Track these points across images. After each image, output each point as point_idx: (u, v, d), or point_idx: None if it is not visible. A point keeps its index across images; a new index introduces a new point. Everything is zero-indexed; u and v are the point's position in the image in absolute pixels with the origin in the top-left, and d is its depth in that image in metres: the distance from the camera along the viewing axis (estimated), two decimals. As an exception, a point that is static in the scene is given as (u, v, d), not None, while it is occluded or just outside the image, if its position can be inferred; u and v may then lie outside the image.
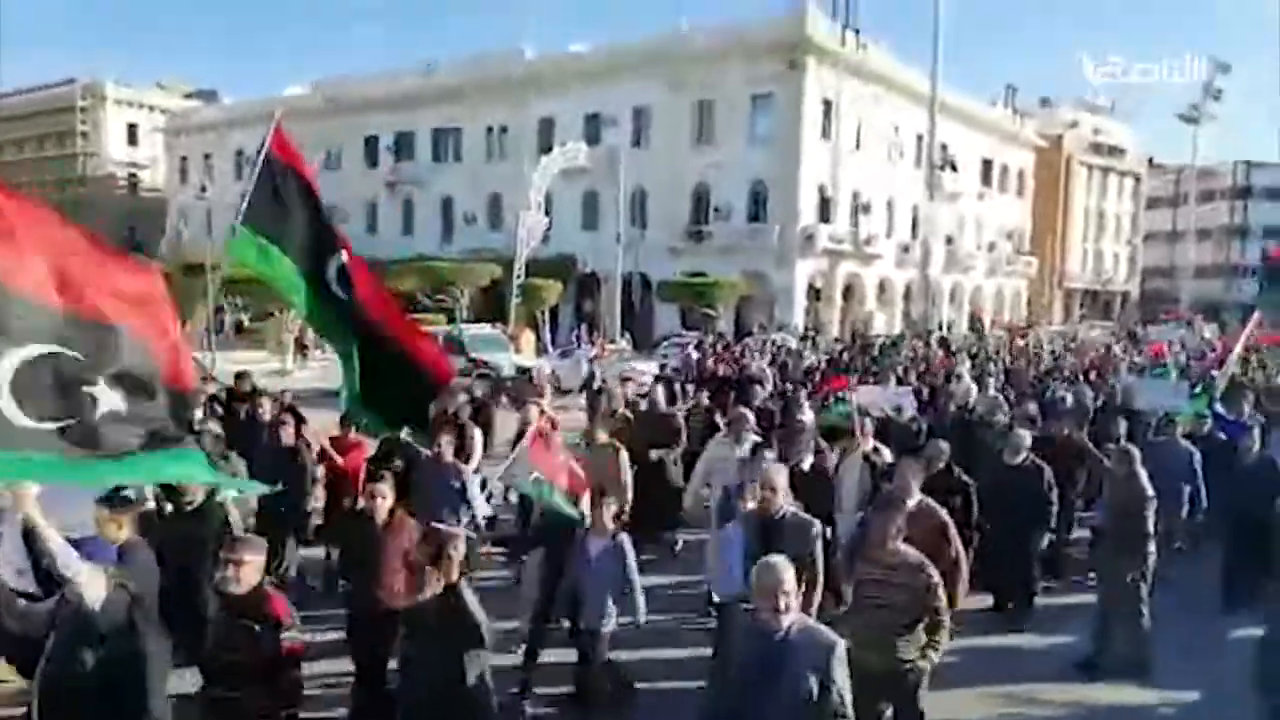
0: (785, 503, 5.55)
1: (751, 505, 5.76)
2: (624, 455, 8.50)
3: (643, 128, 45.43)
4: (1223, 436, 9.69)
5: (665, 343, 31.43)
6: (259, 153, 5.28)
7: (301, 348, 31.37)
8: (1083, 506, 9.74)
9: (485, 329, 25.88)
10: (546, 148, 41.89)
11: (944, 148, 47.09)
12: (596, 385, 15.69)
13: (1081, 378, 16.46)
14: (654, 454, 9.60)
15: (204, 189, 33.08)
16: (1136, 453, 7.29)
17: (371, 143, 55.52)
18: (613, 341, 31.81)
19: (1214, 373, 13.68)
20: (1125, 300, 70.26)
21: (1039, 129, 62.51)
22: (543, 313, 36.78)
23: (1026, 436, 8.14)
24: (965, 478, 7.42)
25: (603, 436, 8.56)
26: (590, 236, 44.42)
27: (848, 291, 45.87)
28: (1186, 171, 64.41)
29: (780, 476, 5.61)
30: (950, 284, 52.59)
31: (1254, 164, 78.34)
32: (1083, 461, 9.23)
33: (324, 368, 29.41)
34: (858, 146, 44.92)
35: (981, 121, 54.92)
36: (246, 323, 35.85)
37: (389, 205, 54.91)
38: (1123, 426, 10.02)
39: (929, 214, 41.30)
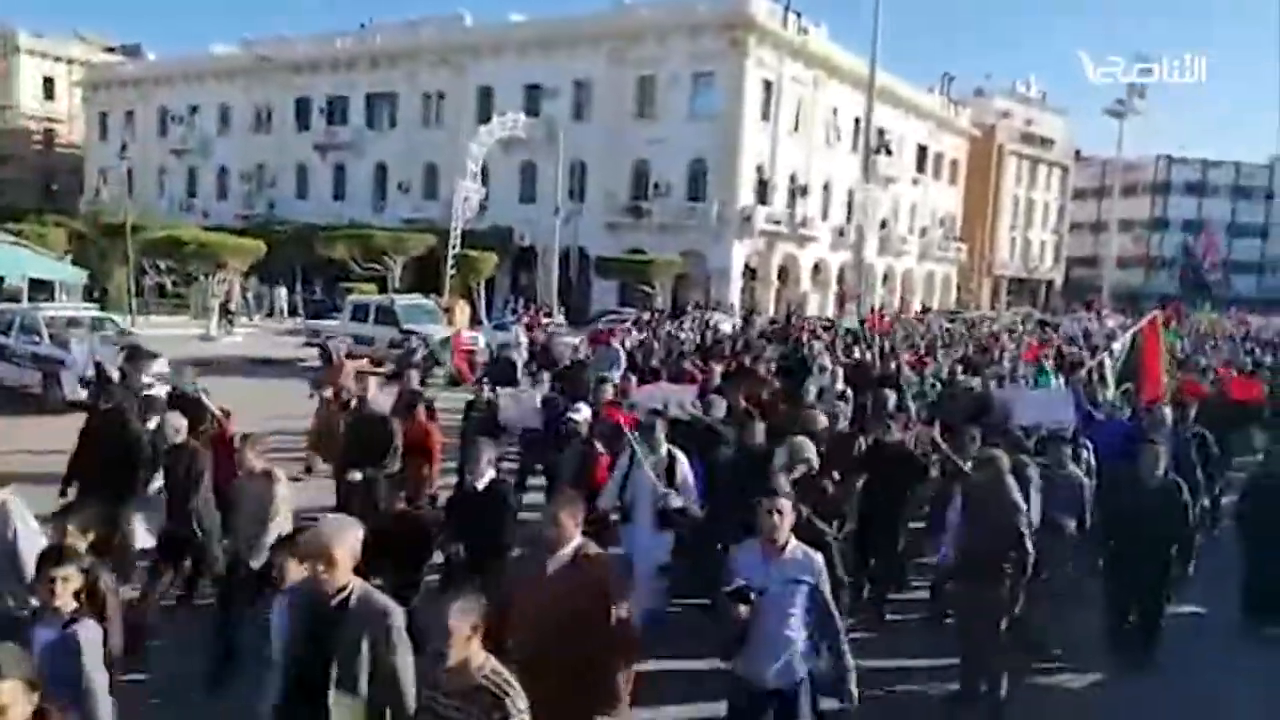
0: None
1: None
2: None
3: (583, 101, 45.06)
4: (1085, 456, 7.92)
5: (602, 319, 31.36)
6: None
7: (227, 314, 30.55)
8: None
9: (418, 299, 25.44)
10: (485, 117, 41.23)
11: (881, 133, 47.60)
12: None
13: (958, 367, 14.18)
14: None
15: (124, 147, 31.75)
16: (1004, 459, 6.01)
17: (304, 104, 54.02)
18: (548, 315, 31.61)
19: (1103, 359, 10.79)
20: (1050, 288, 72.25)
21: (973, 118, 63.70)
22: (478, 285, 36.34)
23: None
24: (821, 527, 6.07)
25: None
26: (528, 209, 43.98)
27: (783, 273, 46.30)
28: (1111, 165, 66.38)
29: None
30: (884, 267, 53.43)
31: (1174, 159, 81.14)
32: (921, 472, 7.61)
33: (249, 335, 28.77)
34: (796, 128, 45.26)
35: (918, 108, 55.72)
36: (169, 287, 34.71)
37: (321, 169, 53.58)
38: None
39: (864, 198, 41.67)
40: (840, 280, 48.64)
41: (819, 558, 4.35)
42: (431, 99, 49.46)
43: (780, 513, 4.25)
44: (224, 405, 8.48)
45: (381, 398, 9.07)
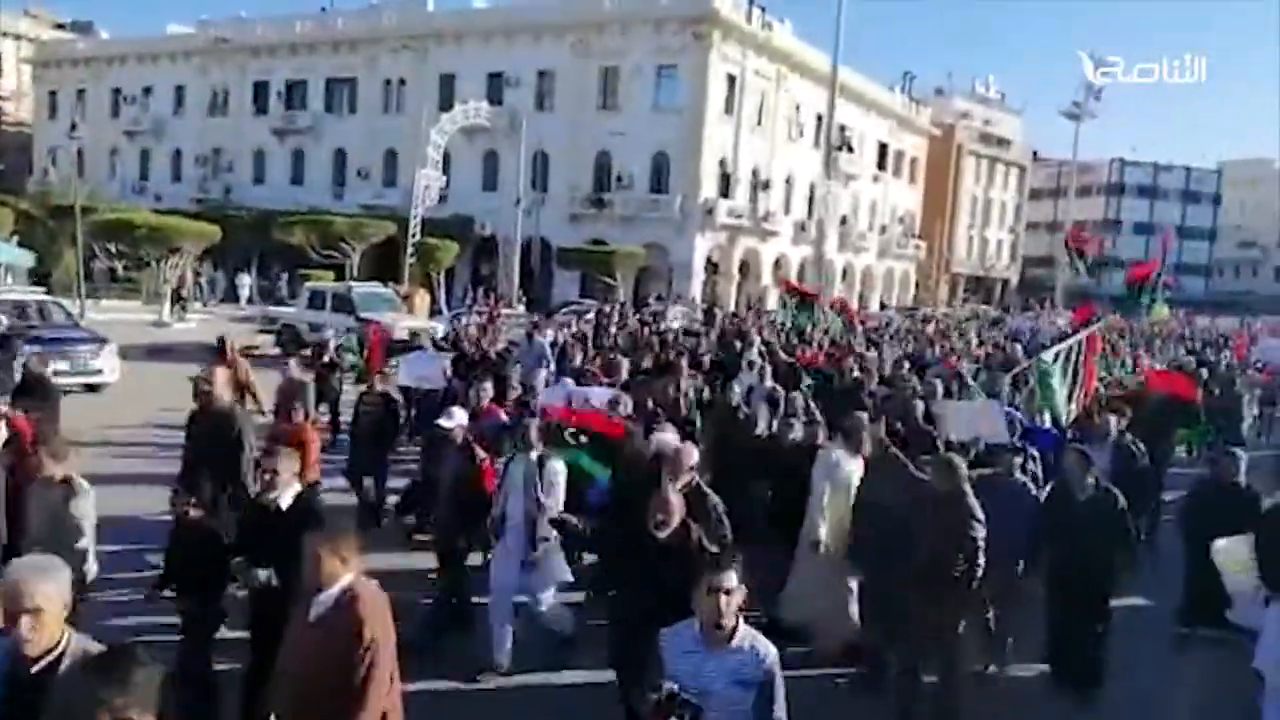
0: None
1: None
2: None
3: (546, 91, 44.81)
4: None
5: (563, 309, 31.26)
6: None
7: (179, 300, 29.99)
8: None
9: (376, 287, 25.19)
10: (447, 104, 40.90)
11: (843, 129, 47.95)
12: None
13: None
14: None
15: (74, 126, 30.98)
16: (962, 466, 5.72)
17: (262, 88, 53.08)
18: (509, 305, 31.45)
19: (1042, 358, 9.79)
20: (1006, 286, 73.38)
21: (933, 118, 64.39)
22: (438, 274, 36.04)
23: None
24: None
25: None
26: (490, 198, 43.67)
27: (744, 267, 46.49)
28: (1067, 166, 67.54)
29: None
30: (843, 263, 53.86)
31: (1127, 162, 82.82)
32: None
33: (202, 323, 28.26)
34: (759, 123, 45.42)
35: (880, 106, 56.19)
36: (120, 271, 33.99)
37: (279, 154, 52.70)
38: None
39: (826, 194, 42.06)
40: (796, 271, 48.95)
41: (772, 651, 3.41)
42: (393, 85, 48.88)
43: (727, 592, 3.30)
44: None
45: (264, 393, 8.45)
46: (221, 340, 11.13)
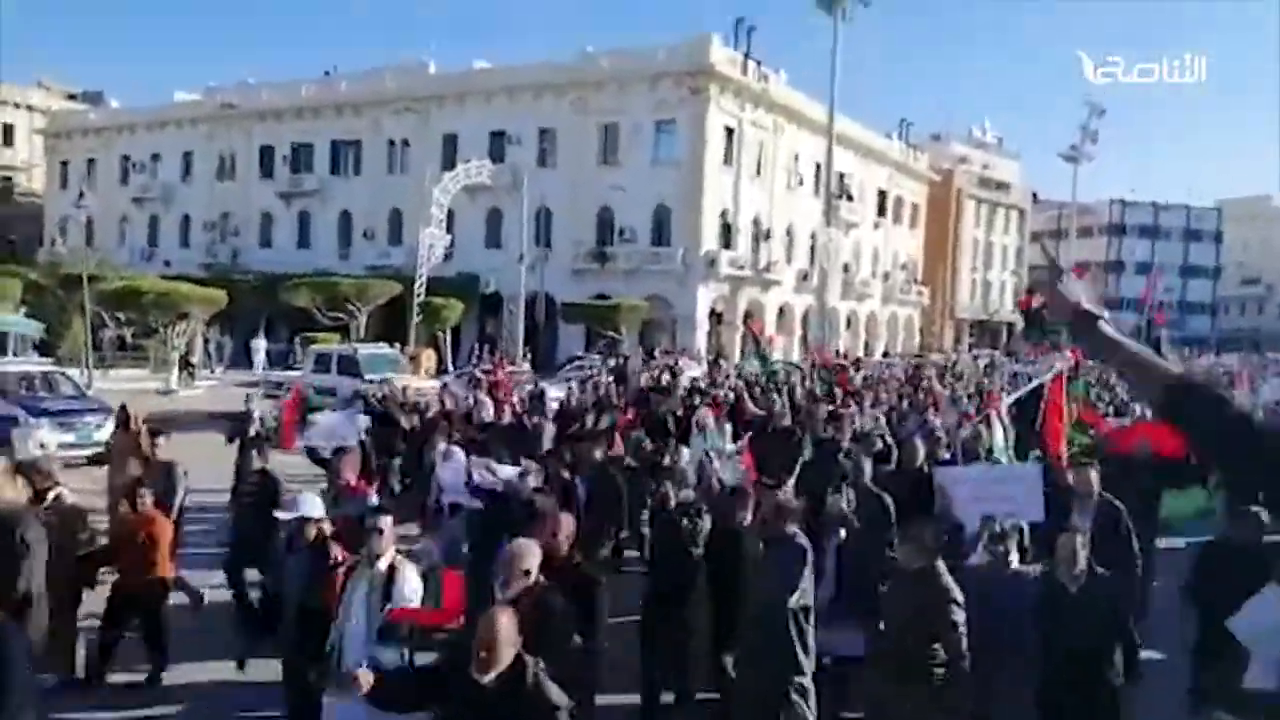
0: None
1: None
2: None
3: (548, 148, 45.42)
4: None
5: (569, 365, 31.25)
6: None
7: (188, 366, 30.14)
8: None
9: (382, 348, 25.31)
10: (450, 164, 41.43)
11: (841, 177, 48.43)
12: None
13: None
14: None
15: (82, 195, 31.46)
16: (934, 536, 5.29)
17: (267, 152, 53.91)
18: (513, 362, 31.50)
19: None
20: (1011, 330, 73.30)
21: (930, 163, 64.99)
22: (444, 332, 36.20)
23: None
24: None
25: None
26: (494, 255, 44.02)
27: (748, 316, 46.59)
28: (1067, 208, 67.94)
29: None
30: (847, 311, 53.98)
31: (1127, 203, 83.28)
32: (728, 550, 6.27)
33: (210, 389, 28.35)
34: (758, 173, 45.89)
35: (878, 153, 56.76)
36: (129, 339, 34.21)
37: (285, 217, 53.34)
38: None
39: (827, 242, 42.34)
40: (800, 319, 49.03)
41: None
42: (396, 146, 49.60)
43: None
44: None
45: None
46: (124, 409, 10.29)
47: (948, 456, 8.82)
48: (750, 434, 10.56)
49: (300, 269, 43.67)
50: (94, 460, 14.82)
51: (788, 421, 11.08)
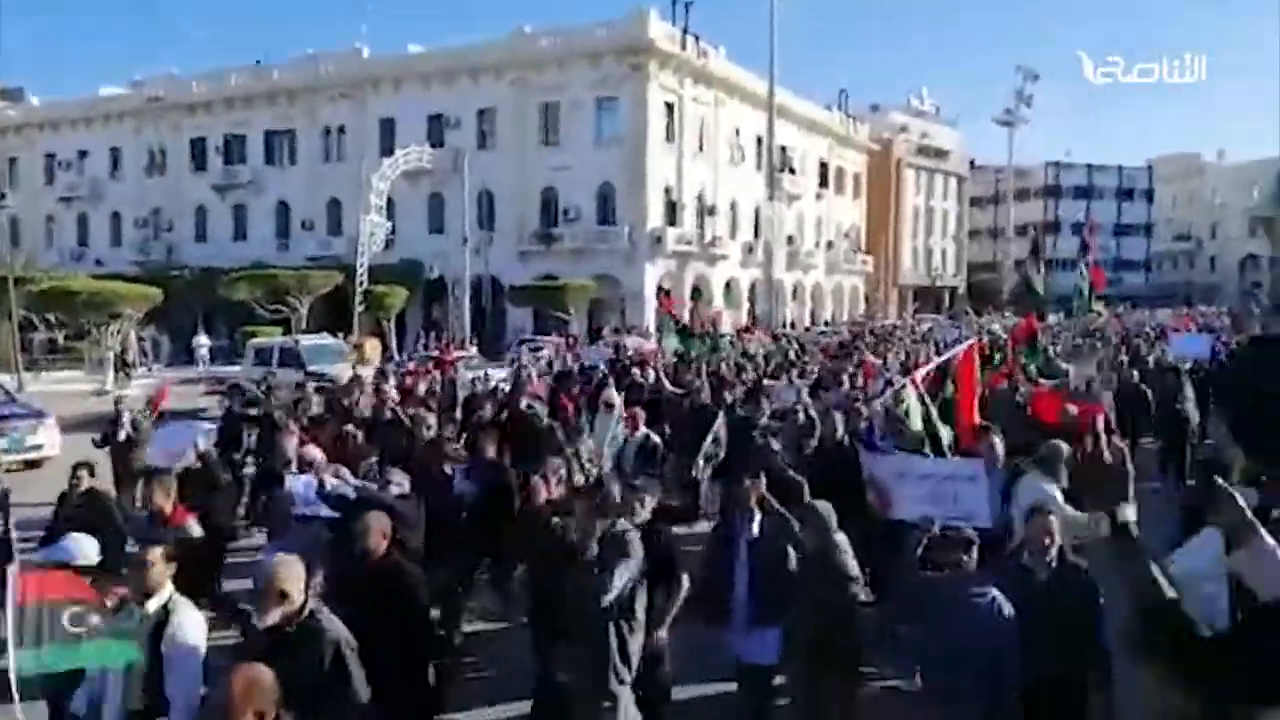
0: None
1: None
2: None
3: (487, 129, 44.92)
4: None
5: (516, 346, 31.03)
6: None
7: (124, 365, 29.38)
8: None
9: (324, 339, 24.88)
10: (388, 149, 40.81)
11: (783, 150, 48.64)
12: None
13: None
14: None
15: (3, 195, 30.38)
16: (829, 512, 5.05)
17: (199, 145, 52.55)
18: (461, 347, 31.23)
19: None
20: (954, 294, 74.53)
21: (870, 133, 65.55)
22: (388, 320, 35.76)
23: None
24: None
25: None
26: (437, 240, 43.52)
27: (696, 292, 46.72)
28: (1004, 173, 69.07)
29: None
30: (793, 282, 54.36)
31: (1062, 164, 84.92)
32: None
33: (146, 388, 27.64)
34: (701, 149, 45.90)
35: (818, 125, 57.08)
36: (61, 341, 33.24)
37: (220, 211, 52.11)
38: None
39: (771, 215, 42.59)
40: (747, 292, 49.27)
41: None
42: (332, 133, 48.66)
43: None
44: None
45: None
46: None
47: (864, 427, 8.53)
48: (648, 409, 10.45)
49: (238, 262, 42.78)
50: (29, 465, 14.47)
51: (705, 399, 11.01)
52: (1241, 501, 2.97)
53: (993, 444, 6.86)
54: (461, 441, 9.10)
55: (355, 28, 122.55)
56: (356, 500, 6.09)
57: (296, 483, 6.80)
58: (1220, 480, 3.66)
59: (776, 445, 8.05)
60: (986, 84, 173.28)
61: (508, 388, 13.04)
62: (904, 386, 8.07)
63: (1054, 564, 4.61)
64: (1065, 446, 6.72)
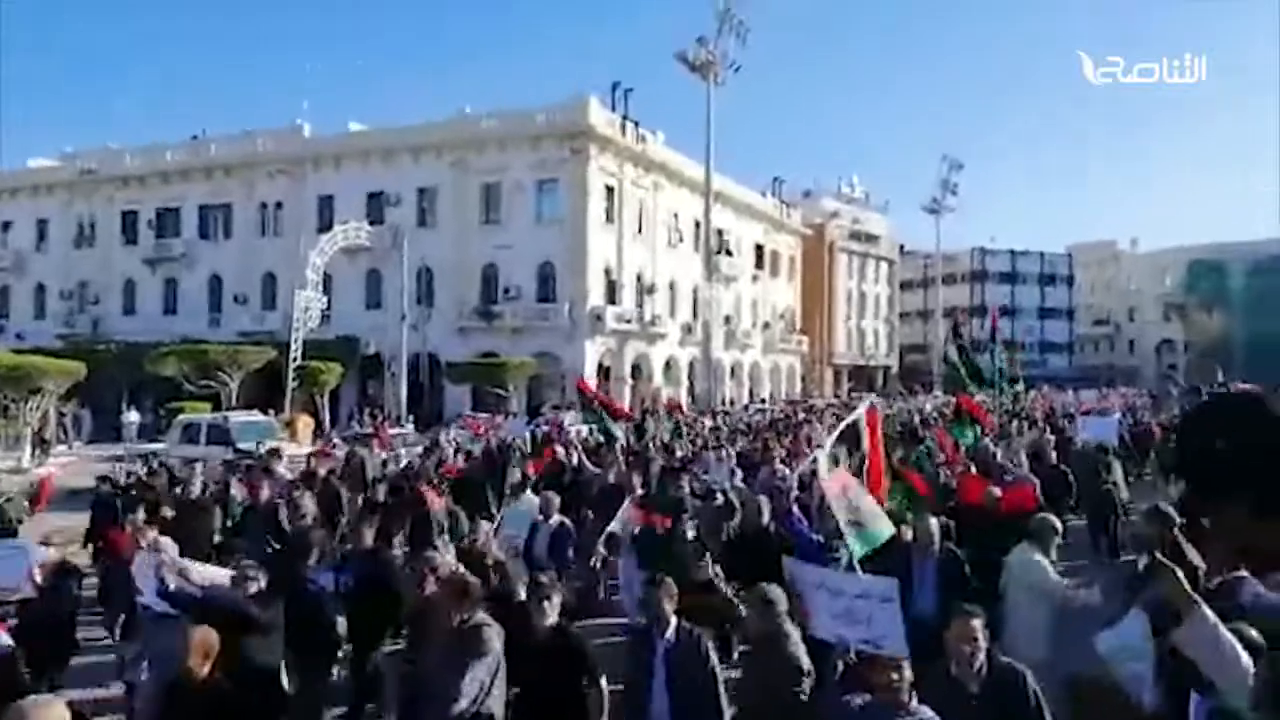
0: None
1: None
2: None
3: (428, 207, 45.11)
4: None
5: (453, 423, 30.72)
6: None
7: (42, 443, 28.26)
8: None
9: (254, 416, 24.31)
10: (326, 225, 40.66)
11: (720, 233, 49.76)
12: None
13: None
14: None
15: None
16: (780, 598, 4.91)
17: (130, 217, 51.69)
18: (397, 423, 30.79)
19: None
20: (887, 374, 76.13)
21: (804, 218, 67.56)
22: (322, 396, 35.13)
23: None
24: None
25: None
26: (375, 316, 43.16)
27: (635, 370, 46.94)
28: (932, 257, 71.58)
29: None
30: (731, 361, 55.01)
31: (987, 250, 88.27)
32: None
33: (65, 464, 26.57)
34: (640, 230, 46.67)
35: (754, 210, 58.63)
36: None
37: (150, 284, 51.05)
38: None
39: (709, 296, 43.32)
40: (686, 371, 49.64)
41: None
42: (269, 208, 48.35)
43: None
44: None
45: None
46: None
47: (789, 510, 8.54)
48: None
49: (167, 336, 41.83)
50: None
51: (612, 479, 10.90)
52: (1181, 577, 3.04)
53: (928, 528, 6.64)
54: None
55: (296, 104, 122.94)
56: (199, 602, 5.61)
57: (140, 572, 6.37)
58: (1158, 555, 3.71)
59: (691, 533, 7.85)
60: (914, 171, 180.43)
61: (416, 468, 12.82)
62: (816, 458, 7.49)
63: (983, 672, 4.23)
64: (1056, 521, 7.03)
